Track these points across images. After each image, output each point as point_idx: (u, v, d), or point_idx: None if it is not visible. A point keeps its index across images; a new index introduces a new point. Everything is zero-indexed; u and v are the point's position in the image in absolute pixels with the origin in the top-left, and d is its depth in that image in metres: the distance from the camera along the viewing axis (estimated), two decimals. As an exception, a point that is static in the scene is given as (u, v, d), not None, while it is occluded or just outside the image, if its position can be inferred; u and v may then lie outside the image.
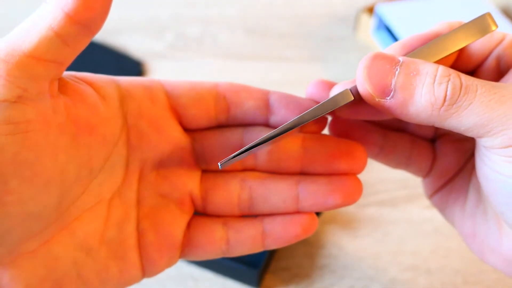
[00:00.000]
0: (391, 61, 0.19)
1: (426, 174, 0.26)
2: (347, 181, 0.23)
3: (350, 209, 0.38)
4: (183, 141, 0.23)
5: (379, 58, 0.19)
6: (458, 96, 0.18)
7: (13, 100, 0.16)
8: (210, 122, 0.23)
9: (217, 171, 0.24)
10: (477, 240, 0.23)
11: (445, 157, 0.25)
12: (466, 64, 0.22)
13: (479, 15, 0.20)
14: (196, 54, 0.53)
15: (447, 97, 0.18)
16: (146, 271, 0.22)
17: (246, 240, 0.23)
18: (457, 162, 0.25)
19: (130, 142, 0.22)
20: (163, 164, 0.23)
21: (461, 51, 0.22)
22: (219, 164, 0.20)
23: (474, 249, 0.24)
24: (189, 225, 0.23)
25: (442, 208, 0.26)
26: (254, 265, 0.32)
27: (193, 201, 0.23)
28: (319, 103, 0.21)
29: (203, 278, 0.34)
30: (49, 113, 0.18)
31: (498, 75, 0.22)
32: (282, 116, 0.23)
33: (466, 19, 0.21)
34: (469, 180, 0.24)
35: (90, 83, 0.21)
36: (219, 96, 0.23)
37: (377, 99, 0.19)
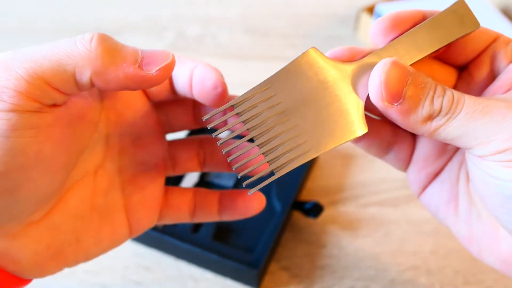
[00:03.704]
0: (405, 70, 0.20)
1: (405, 165, 0.26)
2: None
3: (351, 209, 0.38)
4: (151, 112, 0.26)
5: (396, 65, 0.20)
6: (450, 109, 0.19)
7: (34, 110, 0.19)
8: (168, 94, 0.26)
9: (179, 138, 0.28)
10: (474, 243, 0.24)
11: (424, 148, 0.25)
12: (458, 56, 0.23)
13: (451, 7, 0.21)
14: (196, 54, 0.53)
15: (442, 109, 0.20)
16: (133, 229, 0.25)
17: (207, 207, 0.27)
18: (436, 155, 0.25)
19: (109, 121, 0.24)
20: (138, 135, 0.26)
21: (453, 45, 0.23)
22: (202, 118, 0.21)
23: (471, 250, 0.24)
24: (166, 191, 0.27)
25: (435, 211, 0.26)
26: (254, 265, 0.32)
27: (165, 163, 0.27)
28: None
29: (203, 278, 0.34)
30: (63, 114, 0.21)
31: (491, 73, 0.22)
32: (196, 92, 0.24)
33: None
34: (456, 182, 0.24)
35: None
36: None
37: (386, 103, 0.20)
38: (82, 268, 0.34)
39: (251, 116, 0.21)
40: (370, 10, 0.53)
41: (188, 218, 0.27)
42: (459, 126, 0.19)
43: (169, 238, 0.33)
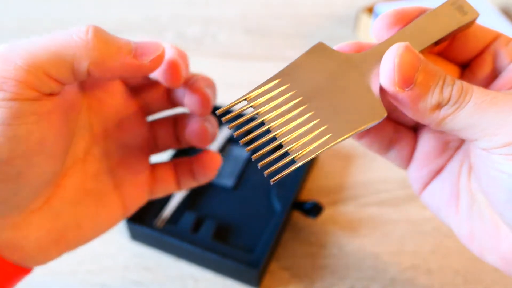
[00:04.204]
0: (417, 56, 0.20)
1: (407, 162, 0.26)
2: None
3: (351, 209, 0.38)
4: (130, 98, 0.27)
5: (410, 50, 0.20)
6: (459, 98, 0.19)
7: (34, 98, 0.20)
8: (141, 79, 0.27)
9: (157, 118, 0.29)
10: (475, 241, 0.23)
11: (426, 145, 0.25)
12: (459, 53, 0.23)
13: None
14: (196, 54, 0.53)
15: (451, 98, 0.19)
16: (127, 208, 0.27)
17: (186, 173, 0.28)
18: (437, 153, 0.25)
19: (91, 108, 0.25)
20: (120, 120, 0.27)
21: (455, 41, 0.23)
22: (216, 112, 0.21)
23: (472, 249, 0.24)
24: (151, 168, 0.28)
25: (436, 210, 0.26)
26: (254, 265, 0.32)
27: (149, 142, 0.28)
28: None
29: (203, 278, 0.34)
30: (60, 103, 0.22)
31: (492, 71, 0.23)
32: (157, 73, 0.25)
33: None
34: (458, 180, 0.24)
35: None
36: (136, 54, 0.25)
37: (397, 88, 0.20)
38: (82, 268, 0.34)
39: (266, 107, 0.20)
40: (370, 10, 0.53)
41: (175, 188, 0.29)
42: (466, 116, 0.19)
43: (169, 238, 0.33)
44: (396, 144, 0.26)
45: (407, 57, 0.19)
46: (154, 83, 0.28)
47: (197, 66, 0.51)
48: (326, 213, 0.37)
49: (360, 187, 0.40)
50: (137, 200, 0.27)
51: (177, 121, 0.29)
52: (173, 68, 0.25)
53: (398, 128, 0.26)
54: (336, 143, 0.20)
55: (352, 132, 0.20)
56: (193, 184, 0.29)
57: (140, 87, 0.28)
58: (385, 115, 0.20)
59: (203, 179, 0.29)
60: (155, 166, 0.29)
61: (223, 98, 0.36)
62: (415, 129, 0.26)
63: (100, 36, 0.21)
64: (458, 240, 0.24)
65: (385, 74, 0.20)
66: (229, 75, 0.50)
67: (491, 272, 0.34)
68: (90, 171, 0.25)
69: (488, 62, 0.23)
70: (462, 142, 0.25)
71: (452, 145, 0.25)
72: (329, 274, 0.34)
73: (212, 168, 0.28)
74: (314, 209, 0.35)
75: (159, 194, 0.29)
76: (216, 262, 0.33)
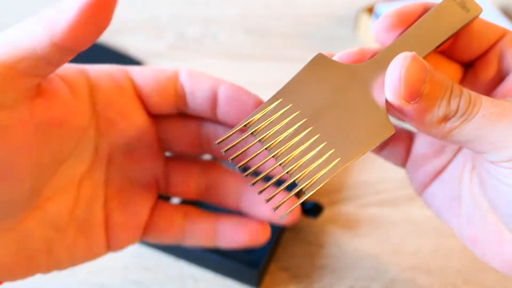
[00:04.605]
0: (424, 66, 0.18)
1: (403, 161, 0.26)
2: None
3: (351, 209, 0.38)
4: (148, 127, 0.24)
5: (416, 60, 0.18)
6: (466, 110, 0.18)
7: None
8: (171, 109, 0.24)
9: (179, 156, 0.26)
10: (478, 244, 0.23)
11: (422, 145, 0.25)
12: (463, 52, 0.22)
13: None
14: (196, 54, 0.53)
15: (459, 110, 0.18)
16: (111, 247, 0.24)
17: (199, 233, 0.25)
18: (434, 153, 0.25)
19: (99, 129, 0.23)
20: (130, 149, 0.24)
21: (458, 39, 0.22)
22: (215, 143, 0.20)
23: (476, 252, 0.23)
24: (153, 209, 0.25)
25: (437, 211, 0.25)
26: (254, 265, 0.32)
27: (158, 183, 0.25)
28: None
29: (203, 278, 0.34)
30: (26, 116, 0.19)
31: (498, 73, 0.22)
32: (226, 112, 0.23)
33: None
34: (459, 183, 0.24)
35: (61, 76, 0.21)
36: (178, 85, 0.24)
37: (402, 101, 0.18)
38: (82, 268, 0.34)
39: (268, 134, 0.19)
40: (370, 10, 0.53)
41: (176, 241, 0.25)
42: (474, 128, 0.18)
43: (169, 238, 0.33)
44: (389, 142, 0.25)
45: (413, 69, 0.18)
46: (187, 120, 0.25)
47: (197, 66, 0.52)
48: (326, 213, 0.37)
49: (360, 187, 0.40)
50: (124, 241, 0.24)
51: (206, 171, 0.25)
52: None
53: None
54: (345, 167, 0.19)
55: (360, 154, 0.19)
56: (206, 245, 0.25)
57: (166, 120, 0.25)
58: (393, 131, 0.19)
59: (229, 247, 0.25)
60: (159, 207, 0.25)
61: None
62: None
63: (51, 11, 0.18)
64: (459, 240, 0.24)
65: (390, 88, 0.18)
66: (229, 75, 0.50)
67: (491, 272, 0.34)
68: (83, 197, 0.23)
69: (493, 62, 0.22)
70: None
71: (451, 148, 0.24)
72: (329, 274, 0.34)
73: (256, 240, 0.24)
74: (314, 209, 0.35)
75: (152, 240, 0.25)
76: (216, 262, 0.33)
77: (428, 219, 0.37)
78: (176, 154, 0.25)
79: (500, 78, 0.22)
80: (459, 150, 0.24)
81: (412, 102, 0.18)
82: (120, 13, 0.58)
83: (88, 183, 0.23)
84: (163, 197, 0.25)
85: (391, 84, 0.18)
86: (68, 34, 0.17)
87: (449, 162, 0.25)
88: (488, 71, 0.22)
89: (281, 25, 0.57)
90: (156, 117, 0.25)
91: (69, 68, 0.22)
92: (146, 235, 0.25)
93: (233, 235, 0.24)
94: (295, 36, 0.56)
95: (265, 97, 0.21)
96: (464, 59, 0.23)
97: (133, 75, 0.24)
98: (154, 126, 0.25)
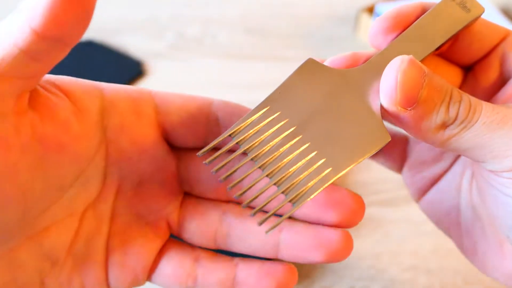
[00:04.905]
0: (422, 71, 0.17)
1: (398, 167, 0.25)
2: (335, 236, 0.20)
3: (350, 209, 0.38)
4: (167, 161, 0.21)
5: (414, 64, 0.17)
6: (466, 117, 0.17)
7: None
8: (198, 142, 0.21)
9: (199, 197, 0.22)
10: (477, 256, 0.22)
11: (419, 151, 0.24)
12: (462, 54, 0.21)
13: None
14: (196, 54, 0.53)
15: (458, 117, 0.17)
16: (111, 287, 0.21)
17: (214, 283, 0.21)
18: (432, 159, 0.24)
19: (108, 157, 0.20)
20: (142, 183, 0.21)
21: (458, 40, 0.21)
22: (197, 154, 0.18)
23: (475, 264, 0.23)
24: (161, 252, 0.22)
25: (436, 220, 0.25)
26: (254, 265, 0.32)
27: (169, 225, 0.22)
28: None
29: (203, 278, 0.34)
30: (10, 133, 0.17)
31: (500, 77, 0.21)
32: None
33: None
34: (458, 192, 0.23)
35: (68, 93, 0.19)
36: (211, 116, 0.21)
37: (398, 108, 0.17)
38: None
39: (254, 143, 0.18)
40: (370, 10, 0.53)
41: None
42: (474, 137, 0.17)
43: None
44: (384, 149, 0.24)
45: (410, 73, 0.17)
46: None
47: (197, 66, 0.52)
48: (326, 213, 0.37)
49: (360, 187, 0.40)
50: (126, 284, 0.21)
51: (226, 213, 0.21)
52: None
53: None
54: (337, 177, 0.17)
55: (354, 164, 0.17)
56: None
57: (191, 154, 0.22)
58: (389, 139, 0.18)
59: None
60: (168, 248, 0.22)
61: (224, 99, 0.36)
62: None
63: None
64: (461, 253, 0.24)
65: (385, 93, 0.17)
66: (229, 75, 0.50)
67: (491, 272, 0.34)
68: (85, 230, 0.20)
69: (495, 65, 0.21)
70: None
71: (449, 154, 0.23)
72: (329, 273, 0.34)
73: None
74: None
75: (159, 285, 0.22)
76: (216, 262, 0.33)
77: (427, 219, 0.37)
78: (196, 196, 0.22)
79: (502, 82, 0.21)
80: (457, 156, 0.23)
81: (408, 109, 0.17)
82: (120, 13, 0.59)
83: (92, 215, 0.21)
84: (175, 237, 0.23)
85: (386, 90, 0.17)
86: (48, 18, 0.15)
87: (447, 169, 0.24)
88: (489, 75, 0.21)
89: (281, 25, 0.57)
90: (179, 150, 0.22)
91: (78, 83, 0.20)
92: (152, 280, 0.22)
93: (258, 285, 0.20)
94: (295, 36, 0.56)
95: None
96: (464, 61, 0.22)
97: (158, 100, 0.21)
98: (175, 160, 0.22)
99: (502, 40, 0.20)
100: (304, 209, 0.20)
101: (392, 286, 0.33)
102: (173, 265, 0.21)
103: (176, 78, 0.49)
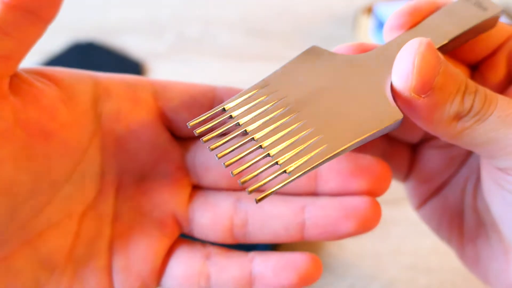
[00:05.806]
0: (438, 56, 0.16)
1: (404, 177, 0.24)
2: (364, 204, 0.19)
3: (350, 209, 0.38)
4: (170, 151, 0.20)
5: (432, 48, 0.16)
6: (481, 109, 0.16)
7: None
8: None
9: (209, 188, 0.20)
10: (480, 265, 0.22)
11: (428, 161, 0.23)
12: (468, 52, 0.21)
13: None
14: (196, 54, 0.53)
15: (473, 109, 0.16)
16: None
17: (229, 281, 0.19)
18: (441, 169, 0.23)
19: (105, 149, 0.19)
20: (144, 177, 0.20)
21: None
22: (201, 139, 0.16)
23: (476, 274, 0.22)
24: (170, 252, 0.20)
25: (436, 228, 0.24)
26: (254, 265, 0.32)
27: (178, 222, 0.20)
28: None
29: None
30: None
31: (507, 76, 0.20)
32: None
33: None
34: (462, 197, 0.22)
35: (56, 81, 0.18)
36: (216, 101, 0.20)
37: (412, 94, 0.16)
38: None
39: (248, 116, 0.17)
40: (369, 10, 0.53)
41: None
42: (488, 131, 0.16)
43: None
44: (389, 158, 0.23)
45: (429, 57, 0.15)
46: None
47: (197, 66, 0.52)
48: (326, 213, 0.37)
49: (360, 187, 0.40)
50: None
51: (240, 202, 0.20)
52: None
53: (391, 142, 0.23)
54: (334, 153, 0.16)
55: (360, 138, 0.16)
56: None
57: (197, 144, 0.20)
58: (401, 117, 0.16)
59: None
60: (177, 246, 0.20)
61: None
62: (412, 144, 0.24)
63: None
64: (462, 263, 0.23)
65: (400, 76, 0.16)
66: (229, 76, 0.50)
67: (490, 271, 0.34)
68: (85, 234, 0.19)
69: (502, 64, 0.20)
70: (468, 156, 0.22)
71: (458, 160, 0.23)
72: (329, 273, 0.34)
73: (308, 279, 0.19)
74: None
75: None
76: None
77: (427, 219, 0.37)
78: (205, 187, 0.21)
79: (509, 80, 0.20)
80: (463, 162, 0.23)
81: (422, 96, 0.16)
82: (120, 13, 0.59)
83: (92, 216, 0.19)
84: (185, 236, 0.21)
85: (401, 73, 0.16)
86: None
87: (452, 175, 0.23)
88: (496, 73, 0.20)
89: (281, 25, 0.57)
90: (183, 140, 0.20)
91: (68, 71, 0.19)
92: (162, 283, 0.20)
93: (277, 278, 0.19)
94: (294, 36, 0.56)
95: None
96: (471, 60, 0.21)
97: (157, 86, 0.20)
98: (179, 151, 0.20)
99: (509, 38, 0.20)
100: (329, 182, 0.19)
101: (392, 286, 0.33)
102: (183, 265, 0.20)
103: (176, 79, 0.49)
